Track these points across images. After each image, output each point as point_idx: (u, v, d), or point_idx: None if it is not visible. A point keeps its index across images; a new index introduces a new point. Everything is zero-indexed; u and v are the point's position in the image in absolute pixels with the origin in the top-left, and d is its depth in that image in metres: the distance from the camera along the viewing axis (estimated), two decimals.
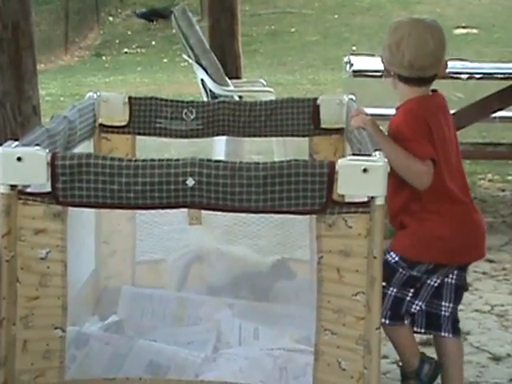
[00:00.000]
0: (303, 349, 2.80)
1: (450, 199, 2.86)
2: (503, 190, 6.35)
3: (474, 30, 17.23)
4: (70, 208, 2.36)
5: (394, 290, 2.93)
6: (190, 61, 6.38)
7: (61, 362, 2.42)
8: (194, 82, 7.58)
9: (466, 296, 3.23)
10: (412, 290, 2.95)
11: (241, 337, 3.03)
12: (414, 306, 2.97)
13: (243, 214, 2.97)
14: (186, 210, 2.52)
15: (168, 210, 2.40)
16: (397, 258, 2.89)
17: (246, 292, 3.33)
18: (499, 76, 5.51)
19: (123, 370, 2.71)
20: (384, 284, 2.81)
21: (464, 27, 17.16)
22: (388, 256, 2.88)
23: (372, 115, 2.95)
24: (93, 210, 2.91)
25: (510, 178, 6.70)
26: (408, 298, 2.95)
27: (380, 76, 5.04)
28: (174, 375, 2.72)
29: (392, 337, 2.99)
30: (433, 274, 2.93)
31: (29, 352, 2.39)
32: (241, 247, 3.47)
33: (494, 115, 5.86)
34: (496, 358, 3.53)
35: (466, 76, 5.41)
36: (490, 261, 4.70)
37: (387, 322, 2.91)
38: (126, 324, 3.07)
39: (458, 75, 5.39)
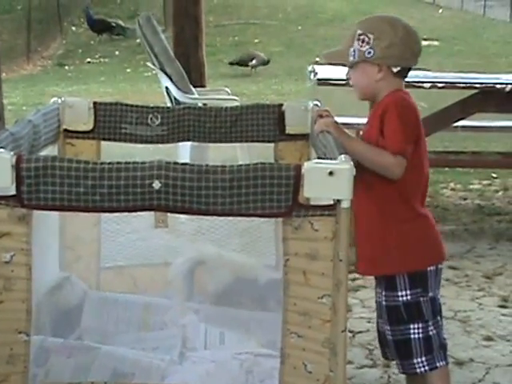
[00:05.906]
0: (269, 353, 2.80)
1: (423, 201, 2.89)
2: (465, 199, 6.41)
3: (435, 42, 17.43)
4: (35, 211, 2.34)
5: (433, 327, 2.79)
6: (155, 69, 6.37)
7: (25, 367, 2.39)
8: (157, 91, 7.57)
9: None
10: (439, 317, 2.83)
11: (206, 341, 3.02)
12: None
13: (209, 219, 2.96)
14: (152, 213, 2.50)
15: (134, 214, 2.39)
16: (408, 285, 2.74)
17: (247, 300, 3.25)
18: (461, 85, 5.55)
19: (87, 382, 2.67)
20: (418, 326, 2.76)
21: (425, 39, 17.31)
22: (396, 296, 2.75)
23: None
24: (57, 215, 2.91)
25: (471, 186, 6.77)
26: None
27: (344, 84, 5.09)
28: (140, 381, 2.70)
29: None
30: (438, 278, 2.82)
31: None
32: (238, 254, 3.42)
33: (455, 124, 5.91)
34: (459, 363, 3.56)
35: (429, 85, 5.44)
36: (453, 268, 4.75)
37: (441, 363, 2.79)
38: (91, 330, 3.04)
39: (420, 84, 5.43)
